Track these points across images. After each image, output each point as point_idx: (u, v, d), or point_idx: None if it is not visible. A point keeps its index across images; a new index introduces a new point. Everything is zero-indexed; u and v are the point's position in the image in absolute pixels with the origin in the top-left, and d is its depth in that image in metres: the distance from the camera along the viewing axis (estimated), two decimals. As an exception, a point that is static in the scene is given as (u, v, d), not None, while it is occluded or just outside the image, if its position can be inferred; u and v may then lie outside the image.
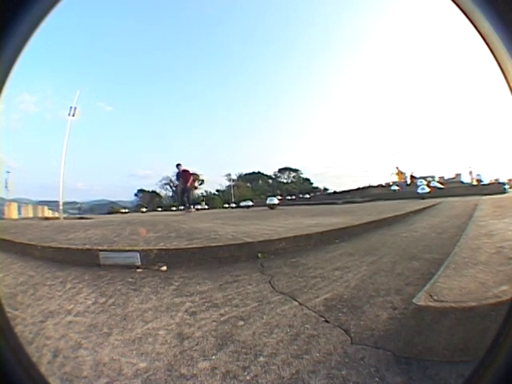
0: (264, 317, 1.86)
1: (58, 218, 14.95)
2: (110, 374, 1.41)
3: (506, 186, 14.28)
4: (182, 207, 14.56)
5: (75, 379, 1.37)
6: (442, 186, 16.67)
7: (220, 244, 3.00)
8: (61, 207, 16.55)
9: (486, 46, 0.67)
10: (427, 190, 13.35)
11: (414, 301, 1.69)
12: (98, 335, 1.79)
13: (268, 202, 11.66)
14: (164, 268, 2.70)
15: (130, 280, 2.57)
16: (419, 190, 13.33)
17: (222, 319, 1.85)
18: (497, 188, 13.48)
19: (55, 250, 3.52)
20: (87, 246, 3.26)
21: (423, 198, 11.94)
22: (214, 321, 1.84)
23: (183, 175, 13.25)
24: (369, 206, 10.50)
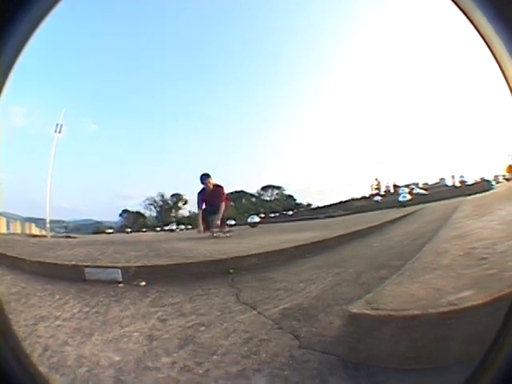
0: (224, 323, 2.16)
1: (45, 236, 14.93)
2: (90, 364, 1.70)
3: (493, 183, 14.45)
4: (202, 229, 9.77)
5: (75, 379, 1.54)
6: (425, 192, 16.78)
7: (195, 261, 3.30)
8: (48, 225, 16.53)
9: (486, 47, 0.69)
10: (408, 197, 13.22)
11: (350, 308, 1.74)
12: (81, 336, 2.07)
13: (249, 220, 11.66)
14: (143, 283, 2.99)
15: (112, 293, 2.87)
16: (400, 199, 13.46)
17: (187, 325, 2.14)
18: (482, 186, 13.70)
19: (44, 265, 3.73)
20: (73, 263, 3.53)
21: (404, 206, 11.85)
22: (180, 326, 2.14)
23: (215, 192, 8.78)
24: (348, 218, 10.61)
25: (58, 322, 2.34)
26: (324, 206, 15.10)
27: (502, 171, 13.48)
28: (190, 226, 14.68)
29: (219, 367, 1.66)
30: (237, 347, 1.85)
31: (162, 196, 15.87)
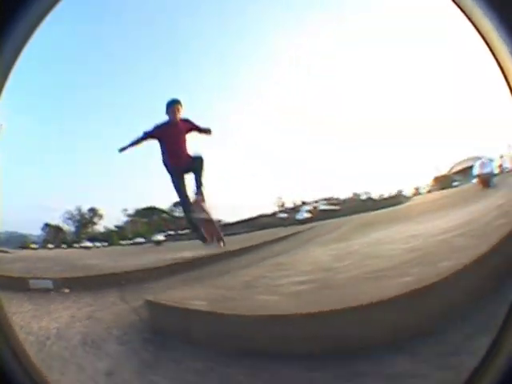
0: (110, 314, 2.96)
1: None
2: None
3: (416, 196, 14.14)
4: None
5: (75, 380, 1.68)
6: (334, 208, 16.16)
7: (96, 274, 4.47)
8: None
9: (486, 46, 0.73)
10: (306, 215, 13.86)
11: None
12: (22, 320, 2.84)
13: (153, 238, 11.62)
14: (67, 291, 4.07)
15: (42, 299, 3.77)
16: (297, 216, 13.70)
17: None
18: (396, 200, 14.43)
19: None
20: (18, 275, 4.61)
21: (303, 223, 12.49)
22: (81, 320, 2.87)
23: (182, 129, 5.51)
24: (242, 237, 11.02)
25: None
26: (234, 223, 14.82)
27: (429, 182, 13.99)
28: (105, 244, 13.19)
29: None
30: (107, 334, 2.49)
31: (79, 210, 14.68)
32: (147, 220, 15.46)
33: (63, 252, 13.15)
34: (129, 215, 12.31)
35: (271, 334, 1.80)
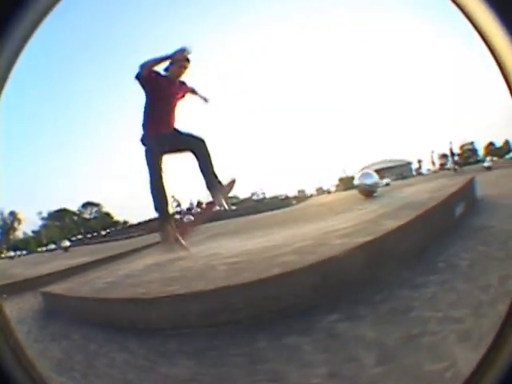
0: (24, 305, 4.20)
1: None
2: None
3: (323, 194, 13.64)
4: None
5: (74, 380, 1.72)
6: (231, 208, 14.66)
7: (21, 280, 5.80)
8: None
9: (486, 46, 0.71)
10: (191, 218, 13.01)
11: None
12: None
13: (61, 244, 12.81)
14: (5, 295, 4.37)
15: None
16: (185, 220, 11.98)
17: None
18: (285, 202, 13.65)
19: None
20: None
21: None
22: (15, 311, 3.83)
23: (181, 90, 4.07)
24: (128, 242, 11.57)
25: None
26: (139, 224, 14.79)
27: (336, 182, 13.33)
28: (24, 252, 13.60)
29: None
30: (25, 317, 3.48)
31: (1, 214, 12.82)
32: (59, 223, 15.08)
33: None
34: (43, 218, 14.43)
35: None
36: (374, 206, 4.71)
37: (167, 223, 3.70)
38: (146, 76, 3.61)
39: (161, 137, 3.71)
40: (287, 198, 14.37)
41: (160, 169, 3.67)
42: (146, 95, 3.71)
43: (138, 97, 3.78)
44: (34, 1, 0.78)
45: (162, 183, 3.65)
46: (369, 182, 6.51)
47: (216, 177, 3.72)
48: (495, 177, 7.76)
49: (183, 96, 4.01)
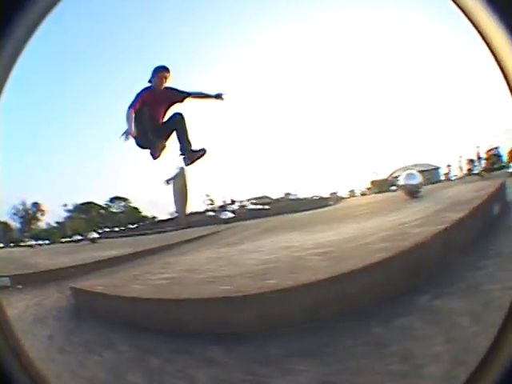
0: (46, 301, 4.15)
1: None
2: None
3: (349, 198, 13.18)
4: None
5: (74, 380, 1.71)
6: (265, 207, 15.84)
7: (43, 270, 5.55)
8: None
9: (486, 46, 0.71)
10: (230, 215, 14.51)
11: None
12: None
13: (89, 236, 13.25)
14: (20, 286, 4.85)
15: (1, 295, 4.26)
16: (221, 216, 14.37)
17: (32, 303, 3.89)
18: (324, 202, 13.68)
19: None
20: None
21: (227, 223, 13.29)
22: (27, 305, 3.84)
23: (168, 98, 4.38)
24: (162, 236, 11.96)
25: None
26: (167, 220, 14.83)
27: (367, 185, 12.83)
28: (47, 242, 13.37)
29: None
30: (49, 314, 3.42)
31: (24, 204, 13.34)
32: (85, 216, 15.09)
33: (12, 251, 13.35)
34: (68, 210, 14.60)
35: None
36: (426, 204, 5.06)
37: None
38: (135, 105, 3.97)
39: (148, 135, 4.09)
40: (322, 198, 14.07)
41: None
42: (139, 110, 4.02)
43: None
44: (34, 1, 0.78)
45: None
46: (414, 182, 6.72)
47: (190, 144, 4.06)
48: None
49: (174, 101, 4.22)
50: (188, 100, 4.23)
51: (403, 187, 6.85)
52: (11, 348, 0.75)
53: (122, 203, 15.87)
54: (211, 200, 14.75)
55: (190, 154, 4.05)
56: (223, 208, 15.26)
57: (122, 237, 13.48)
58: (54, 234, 14.14)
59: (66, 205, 14.08)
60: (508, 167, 11.31)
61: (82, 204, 15.05)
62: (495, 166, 12.12)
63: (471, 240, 2.87)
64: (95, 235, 12.99)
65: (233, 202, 17.33)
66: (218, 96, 4.23)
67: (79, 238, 12.68)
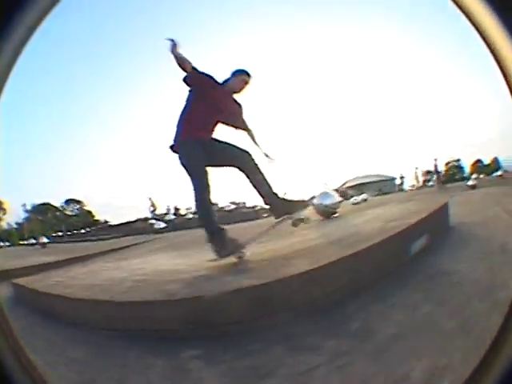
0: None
1: None
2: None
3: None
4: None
5: (74, 380, 1.66)
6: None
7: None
8: None
9: (486, 46, 0.69)
10: (163, 225, 14.27)
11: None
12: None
13: (40, 240, 13.08)
14: None
15: None
16: (155, 226, 14.02)
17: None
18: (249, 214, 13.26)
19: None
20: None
21: (161, 233, 12.97)
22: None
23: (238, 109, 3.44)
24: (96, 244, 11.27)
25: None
26: (118, 225, 14.95)
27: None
28: (7, 243, 13.45)
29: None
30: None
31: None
32: (42, 218, 14.90)
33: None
34: (27, 211, 14.45)
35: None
36: (314, 234, 4.07)
37: (219, 234, 3.01)
38: (192, 77, 3.15)
39: (198, 143, 3.10)
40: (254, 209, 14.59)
41: (207, 180, 3.04)
42: (190, 94, 3.23)
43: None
44: (34, 1, 0.78)
45: (210, 199, 3.04)
46: (329, 202, 6.27)
47: (274, 193, 3.16)
48: (479, 197, 7.23)
49: (233, 124, 3.43)
50: (239, 131, 3.46)
51: (316, 207, 6.24)
52: (11, 348, 0.75)
53: (77, 206, 16.25)
54: (154, 206, 14.69)
55: (281, 210, 3.15)
56: (162, 216, 15.73)
57: (68, 242, 13.29)
58: (13, 236, 13.69)
59: (24, 205, 13.94)
60: (468, 179, 11.31)
61: (39, 205, 14.77)
62: (456, 178, 12.52)
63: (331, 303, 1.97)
64: (44, 240, 12.84)
65: (176, 209, 18.55)
66: (267, 156, 3.45)
67: (33, 241, 12.42)
